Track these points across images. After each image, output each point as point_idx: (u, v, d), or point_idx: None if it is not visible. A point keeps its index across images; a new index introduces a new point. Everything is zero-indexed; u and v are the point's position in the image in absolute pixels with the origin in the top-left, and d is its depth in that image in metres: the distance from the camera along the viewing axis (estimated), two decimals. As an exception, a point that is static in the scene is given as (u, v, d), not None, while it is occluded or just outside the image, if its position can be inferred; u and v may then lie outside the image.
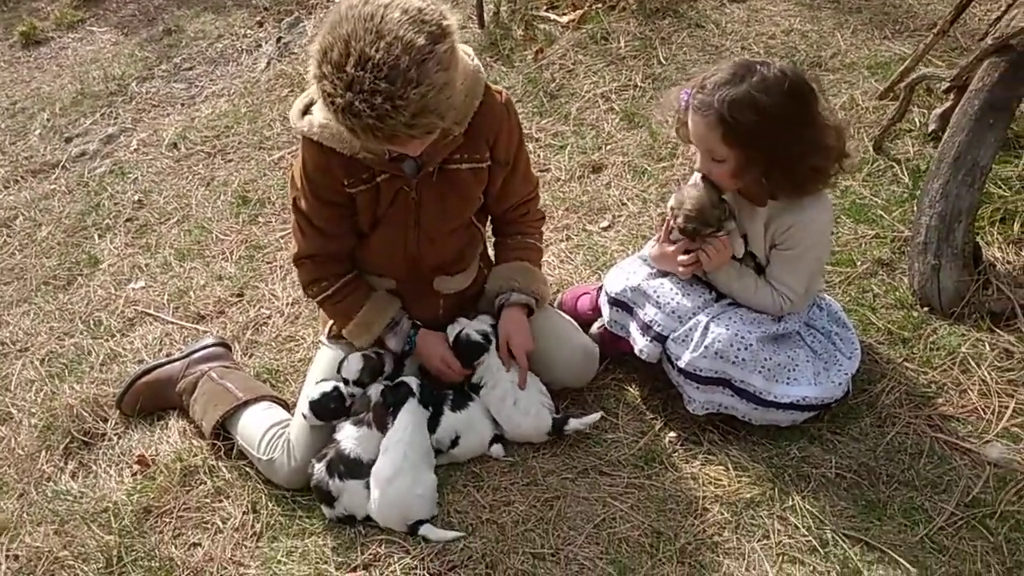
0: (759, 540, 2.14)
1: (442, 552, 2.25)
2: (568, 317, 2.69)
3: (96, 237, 3.79)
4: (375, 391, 2.44)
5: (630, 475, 2.35)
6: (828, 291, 2.78)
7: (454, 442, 2.46)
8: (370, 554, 2.29)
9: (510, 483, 2.40)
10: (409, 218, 2.36)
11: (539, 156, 3.67)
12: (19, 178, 4.39)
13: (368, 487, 2.34)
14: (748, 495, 2.24)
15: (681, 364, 2.34)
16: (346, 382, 2.47)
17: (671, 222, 2.41)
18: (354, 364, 2.48)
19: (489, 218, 2.65)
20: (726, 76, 2.13)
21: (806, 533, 2.13)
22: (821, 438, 2.34)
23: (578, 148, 3.66)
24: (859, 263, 2.84)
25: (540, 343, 2.54)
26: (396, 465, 2.32)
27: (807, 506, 2.19)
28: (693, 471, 2.33)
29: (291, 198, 2.40)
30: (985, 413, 2.32)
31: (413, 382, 2.44)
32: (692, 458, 2.37)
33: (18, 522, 2.55)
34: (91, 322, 3.30)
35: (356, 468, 2.34)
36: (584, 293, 2.83)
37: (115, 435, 2.80)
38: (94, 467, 2.70)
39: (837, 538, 2.11)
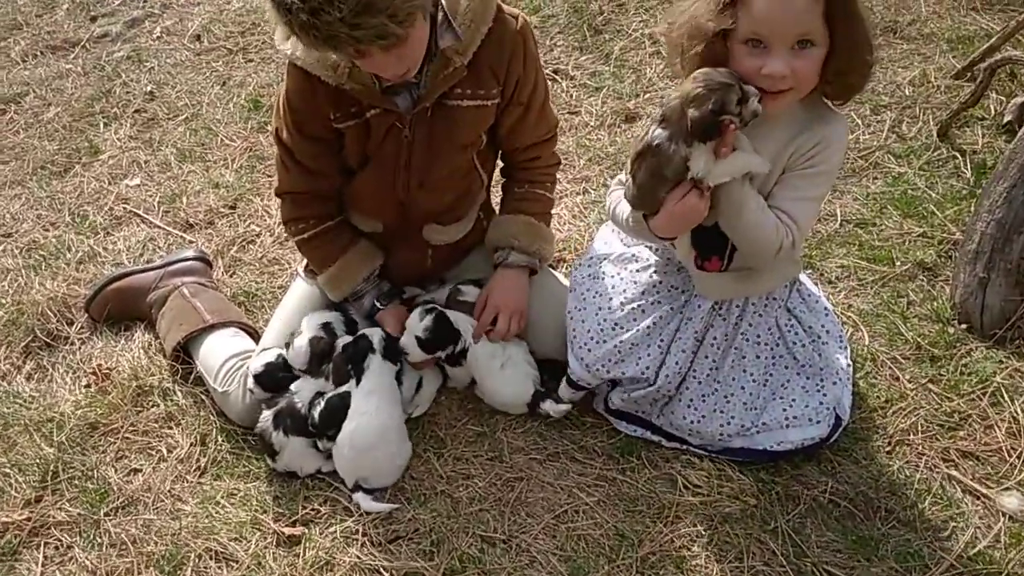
0: (730, 561, 1.92)
1: (387, 520, 2.08)
2: (564, 280, 2.44)
3: (101, 125, 3.64)
4: (340, 342, 2.24)
5: (603, 466, 2.14)
6: (859, 291, 2.50)
7: (418, 388, 2.31)
8: (311, 510, 2.13)
9: (473, 455, 2.21)
10: (400, 159, 2.12)
11: (571, 96, 3.38)
12: (38, 53, 4.23)
13: (315, 447, 2.17)
14: (727, 509, 2.02)
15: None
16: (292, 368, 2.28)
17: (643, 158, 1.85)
18: (302, 354, 2.24)
19: (497, 161, 2.40)
20: None
21: (783, 562, 1.90)
22: (819, 456, 2.09)
23: (614, 92, 3.36)
24: (898, 263, 2.54)
25: (529, 307, 2.31)
26: (381, 430, 2.12)
27: (790, 531, 1.96)
28: (672, 472, 2.11)
29: (273, 128, 2.16)
30: (1010, 456, 2.05)
31: (375, 335, 2.22)
32: (674, 457, 2.14)
33: (-37, 418, 2.44)
34: (78, 215, 3.17)
35: (305, 425, 2.16)
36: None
37: (78, 339, 2.67)
38: (50, 371, 2.57)
39: (817, 572, 1.89)
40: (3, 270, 2.95)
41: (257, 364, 2.25)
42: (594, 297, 2.18)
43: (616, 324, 2.12)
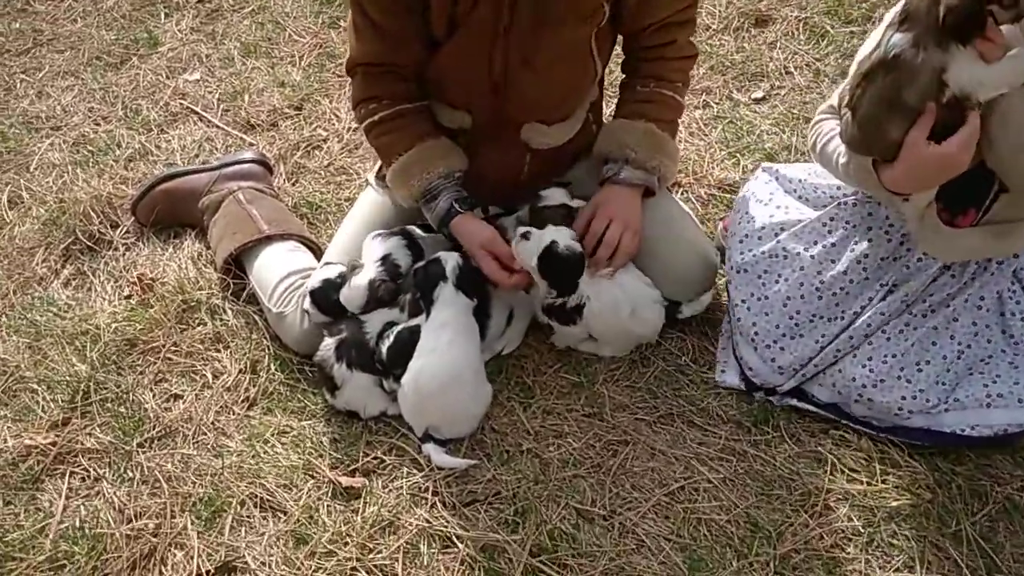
0: (897, 569, 1.52)
1: (462, 478, 1.74)
2: (684, 206, 2.01)
3: (162, 15, 3.33)
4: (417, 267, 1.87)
5: (729, 436, 1.75)
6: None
7: (508, 322, 1.96)
8: (374, 458, 1.80)
9: (567, 409, 1.84)
10: (499, 24, 1.70)
11: (690, -5, 2.89)
12: (104, -63, 3.89)
13: (381, 386, 1.83)
14: (894, 503, 1.60)
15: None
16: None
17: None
18: (358, 296, 1.87)
19: (617, 48, 1.95)
20: None
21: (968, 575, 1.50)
22: (1015, 444, 1.66)
23: (743, -9, 2.87)
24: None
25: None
26: (453, 371, 1.77)
27: (978, 536, 1.54)
28: (821, 451, 1.70)
29: None
30: None
31: (450, 260, 1.83)
32: (822, 432, 1.73)
33: (-7, 325, 2.18)
34: (131, 109, 2.88)
35: (372, 359, 1.82)
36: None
37: (122, 244, 2.38)
38: (90, 277, 2.29)
39: (1012, 594, 1.48)
40: (48, 165, 2.68)
41: (315, 279, 1.91)
42: (777, 283, 1.75)
43: (814, 315, 1.72)
